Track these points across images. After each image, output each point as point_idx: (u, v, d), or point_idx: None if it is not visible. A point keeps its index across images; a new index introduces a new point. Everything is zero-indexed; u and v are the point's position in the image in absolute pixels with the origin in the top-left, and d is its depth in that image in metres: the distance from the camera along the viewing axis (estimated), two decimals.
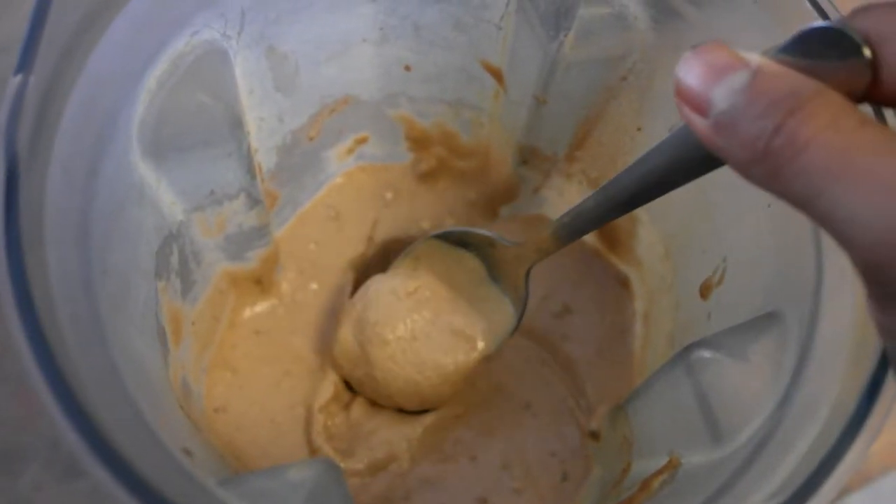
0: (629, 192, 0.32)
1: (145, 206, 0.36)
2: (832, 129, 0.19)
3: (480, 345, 0.44)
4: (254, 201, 0.42)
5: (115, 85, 0.32)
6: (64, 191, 0.29)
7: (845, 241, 0.19)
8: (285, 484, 0.30)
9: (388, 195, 0.52)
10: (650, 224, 0.47)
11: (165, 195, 0.37)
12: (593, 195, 0.35)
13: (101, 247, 0.31)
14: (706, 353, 0.35)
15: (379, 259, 0.51)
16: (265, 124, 0.43)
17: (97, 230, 0.31)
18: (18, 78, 0.27)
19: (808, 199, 0.20)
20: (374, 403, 0.46)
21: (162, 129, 0.35)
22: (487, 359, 0.45)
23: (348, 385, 0.47)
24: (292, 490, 0.30)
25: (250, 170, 0.40)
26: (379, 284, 0.45)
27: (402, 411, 0.46)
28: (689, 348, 0.36)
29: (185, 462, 0.29)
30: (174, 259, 0.39)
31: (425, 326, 0.44)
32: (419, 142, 0.51)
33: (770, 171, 0.20)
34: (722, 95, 0.21)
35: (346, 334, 0.45)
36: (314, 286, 0.49)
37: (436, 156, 0.51)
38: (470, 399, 0.47)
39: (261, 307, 0.48)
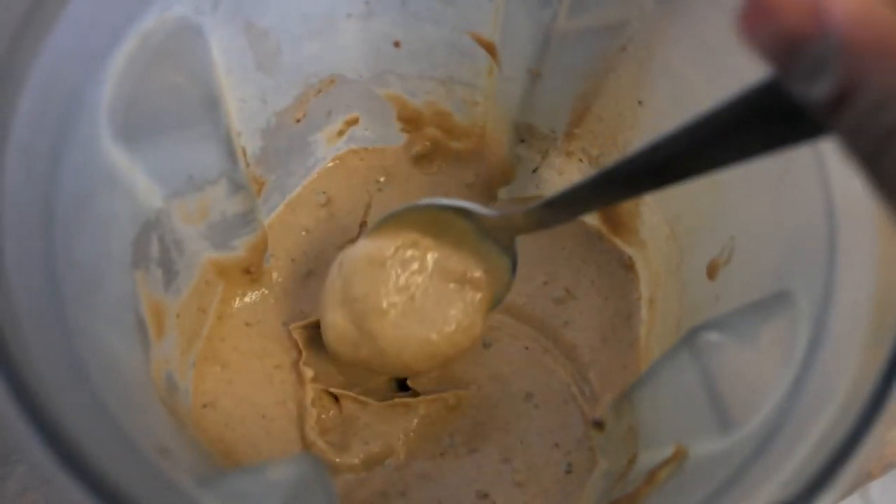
0: (638, 171, 0.27)
1: (118, 193, 0.34)
2: None
3: (484, 284, 0.40)
4: (236, 186, 0.40)
5: (79, 64, 0.30)
6: (24, 177, 0.28)
7: None
8: (264, 483, 0.28)
9: (382, 179, 0.50)
10: (654, 203, 0.45)
11: (140, 181, 0.35)
12: (596, 174, 0.30)
13: (68, 236, 0.30)
14: (713, 336, 0.33)
15: None
16: (247, 106, 0.41)
17: (62, 218, 0.29)
18: None
19: None
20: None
21: (133, 111, 0.33)
22: (493, 306, 0.41)
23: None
24: (271, 490, 0.28)
25: (230, 153, 0.38)
26: (353, 255, 0.41)
27: (400, 400, 0.44)
28: (695, 331, 0.34)
29: (159, 462, 0.28)
30: (154, 248, 0.37)
31: (421, 282, 0.40)
32: (412, 122, 0.49)
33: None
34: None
35: (335, 319, 0.40)
36: (306, 274, 0.48)
37: (429, 137, 0.49)
38: (467, 389, 0.45)
39: (250, 298, 0.46)
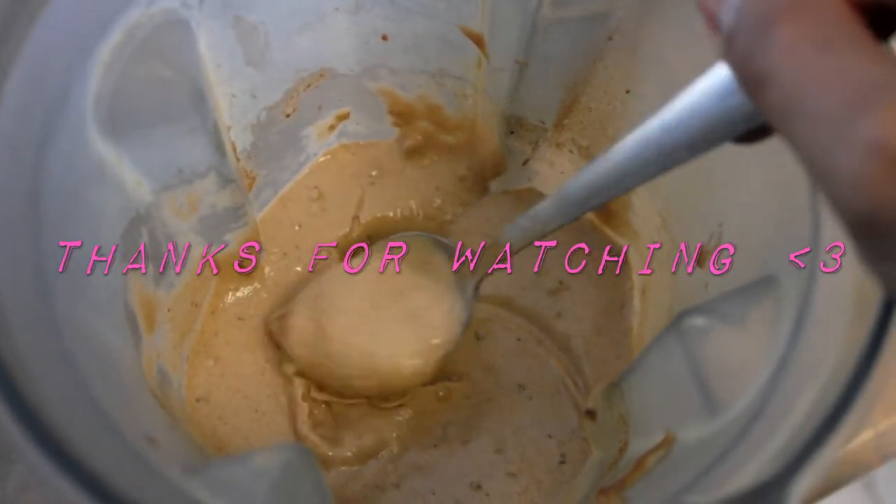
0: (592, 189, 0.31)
1: (107, 187, 0.34)
2: (796, 52, 0.17)
3: (436, 339, 0.42)
4: (225, 180, 0.40)
5: (65, 56, 0.30)
6: (9, 170, 0.28)
7: (826, 185, 0.17)
8: (250, 471, 0.28)
9: (374, 173, 0.50)
10: (646, 193, 0.45)
11: (129, 174, 0.35)
12: (549, 200, 0.35)
13: (56, 229, 0.30)
14: (699, 321, 0.33)
15: (365, 239, 0.50)
16: (237, 101, 0.41)
17: (50, 212, 0.29)
18: None
19: (789, 136, 0.17)
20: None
21: (120, 105, 0.33)
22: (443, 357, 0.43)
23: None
24: (257, 477, 0.28)
25: (219, 147, 0.38)
26: (337, 265, 0.44)
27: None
28: (681, 316, 0.34)
29: (147, 452, 0.28)
30: (144, 242, 0.37)
31: (385, 300, 0.42)
32: (403, 116, 0.49)
33: (758, 97, 0.18)
34: (725, 14, 0.19)
35: (298, 319, 0.43)
36: (298, 269, 0.48)
37: (421, 130, 0.49)
38: (460, 381, 0.45)
39: (243, 292, 0.46)
